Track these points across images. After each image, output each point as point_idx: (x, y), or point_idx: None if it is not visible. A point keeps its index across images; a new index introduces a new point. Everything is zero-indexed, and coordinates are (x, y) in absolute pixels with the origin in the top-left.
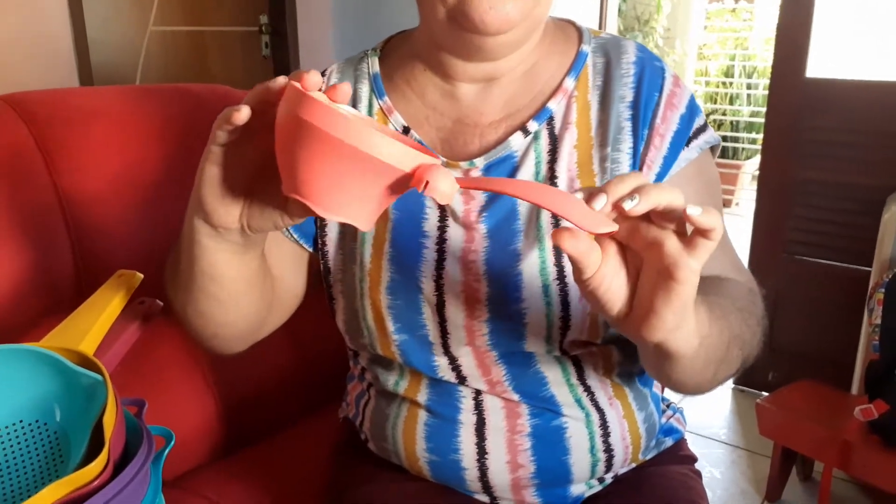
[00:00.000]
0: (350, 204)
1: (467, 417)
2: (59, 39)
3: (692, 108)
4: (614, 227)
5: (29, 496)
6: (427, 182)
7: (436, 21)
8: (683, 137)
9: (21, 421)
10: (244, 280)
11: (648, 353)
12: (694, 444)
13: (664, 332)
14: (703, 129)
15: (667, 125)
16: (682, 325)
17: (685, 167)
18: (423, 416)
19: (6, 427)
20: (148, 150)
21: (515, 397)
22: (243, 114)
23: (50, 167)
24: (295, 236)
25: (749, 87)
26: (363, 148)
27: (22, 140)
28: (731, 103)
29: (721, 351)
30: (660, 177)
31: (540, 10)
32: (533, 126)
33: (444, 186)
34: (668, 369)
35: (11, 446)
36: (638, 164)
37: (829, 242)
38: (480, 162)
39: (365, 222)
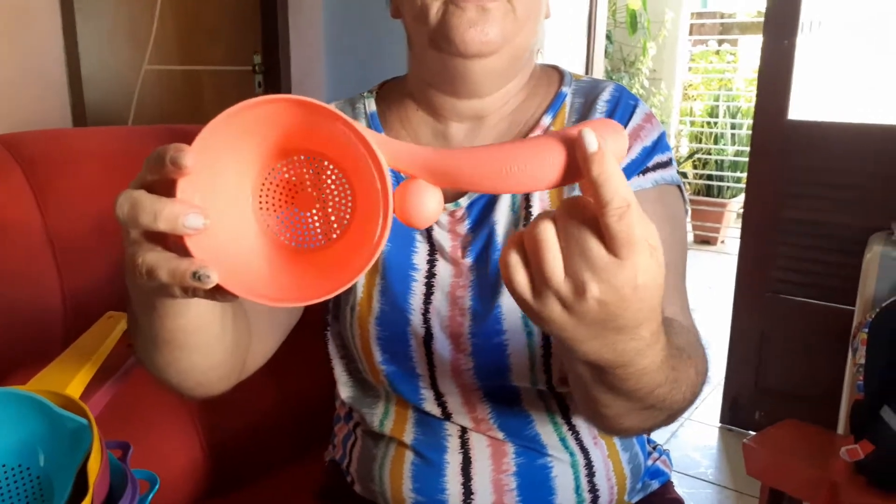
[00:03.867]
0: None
1: (453, 457)
2: (54, 77)
3: (657, 145)
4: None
5: None
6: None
7: (422, 49)
8: (639, 166)
9: (3, 465)
10: (216, 325)
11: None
12: (681, 485)
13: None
14: (664, 165)
15: (626, 154)
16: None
17: (639, 192)
18: (409, 456)
19: None
20: None
21: (500, 435)
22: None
23: (41, 207)
24: None
25: (733, 126)
26: None
27: (14, 180)
28: (715, 142)
29: (648, 399)
30: None
31: (522, 39)
32: None
33: (430, 205)
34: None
35: None
36: None
37: (813, 281)
38: (464, 201)
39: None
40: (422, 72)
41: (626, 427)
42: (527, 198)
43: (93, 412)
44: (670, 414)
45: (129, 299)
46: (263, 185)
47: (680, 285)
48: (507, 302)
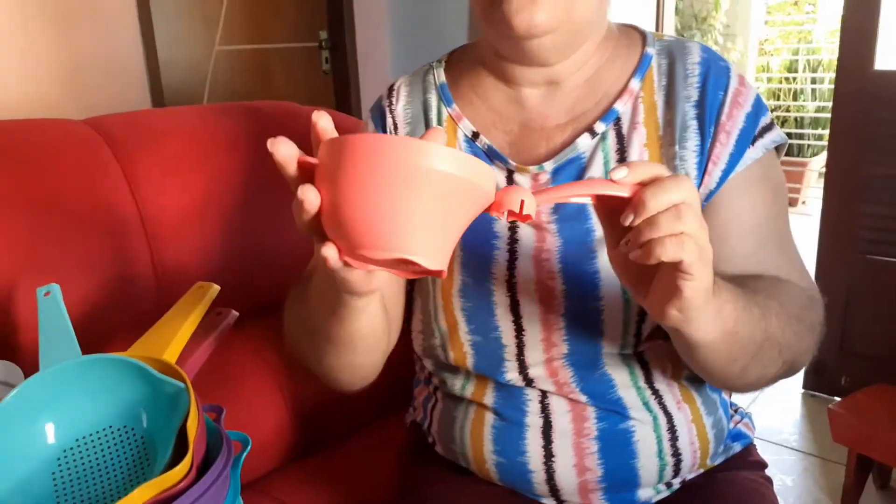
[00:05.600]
0: (444, 242)
1: (534, 420)
2: (132, 61)
3: (758, 107)
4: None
5: (119, 497)
6: (510, 207)
7: (481, 23)
8: (749, 135)
9: (111, 426)
10: (384, 319)
11: (675, 335)
12: (764, 451)
13: (674, 319)
14: (769, 127)
15: (733, 122)
16: (693, 317)
17: (751, 166)
18: (490, 418)
19: (98, 432)
20: (221, 167)
21: (583, 399)
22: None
23: (131, 186)
24: None
25: (814, 81)
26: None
27: (105, 161)
28: (794, 99)
29: (751, 349)
30: (725, 174)
31: (579, 14)
32: (600, 127)
33: (528, 208)
34: (691, 354)
35: (102, 450)
36: (704, 161)
37: None
38: (549, 165)
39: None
40: (492, 44)
41: (754, 378)
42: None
43: (187, 376)
44: (786, 359)
45: (313, 313)
46: None
47: (793, 253)
48: (603, 266)
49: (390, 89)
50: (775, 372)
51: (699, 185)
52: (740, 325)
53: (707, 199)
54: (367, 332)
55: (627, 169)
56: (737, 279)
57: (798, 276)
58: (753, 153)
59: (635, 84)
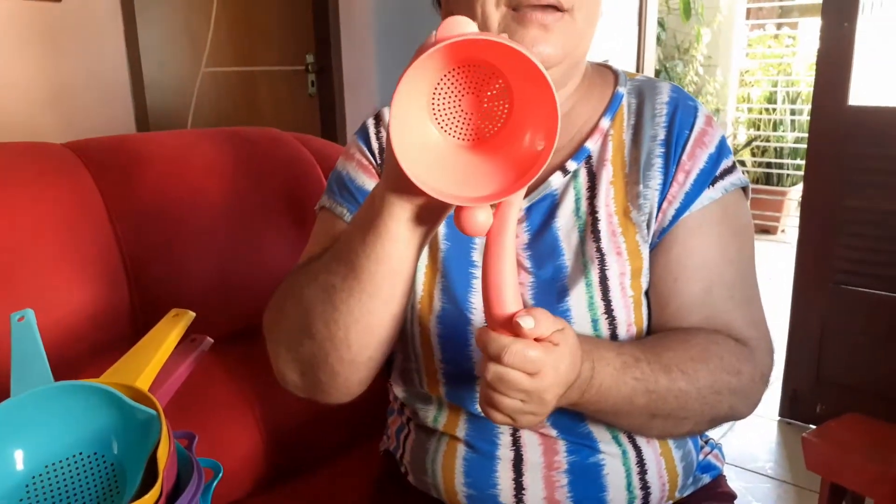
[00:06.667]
0: None
1: (505, 453)
2: (118, 84)
3: (721, 149)
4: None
5: None
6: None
7: None
8: (709, 176)
9: (81, 453)
10: (410, 269)
11: None
12: (739, 478)
13: None
14: (730, 170)
15: (693, 162)
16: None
17: (709, 206)
18: (461, 450)
19: (67, 458)
20: (200, 193)
21: (553, 432)
22: None
23: (110, 210)
24: None
25: (793, 112)
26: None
27: (84, 185)
28: (774, 129)
29: (636, 409)
30: (679, 212)
31: (582, 48)
32: (572, 165)
33: (475, 227)
34: None
35: (72, 477)
36: (663, 198)
37: (877, 272)
38: (524, 203)
39: None
40: None
41: (656, 434)
42: (591, 203)
43: (160, 404)
44: (699, 421)
45: (346, 244)
46: (435, 91)
47: (745, 300)
48: (574, 304)
49: (377, 116)
50: (688, 431)
51: (654, 223)
52: (608, 412)
53: (660, 236)
54: (397, 268)
55: (533, 319)
56: (657, 341)
57: (745, 323)
58: (712, 193)
59: (605, 122)
